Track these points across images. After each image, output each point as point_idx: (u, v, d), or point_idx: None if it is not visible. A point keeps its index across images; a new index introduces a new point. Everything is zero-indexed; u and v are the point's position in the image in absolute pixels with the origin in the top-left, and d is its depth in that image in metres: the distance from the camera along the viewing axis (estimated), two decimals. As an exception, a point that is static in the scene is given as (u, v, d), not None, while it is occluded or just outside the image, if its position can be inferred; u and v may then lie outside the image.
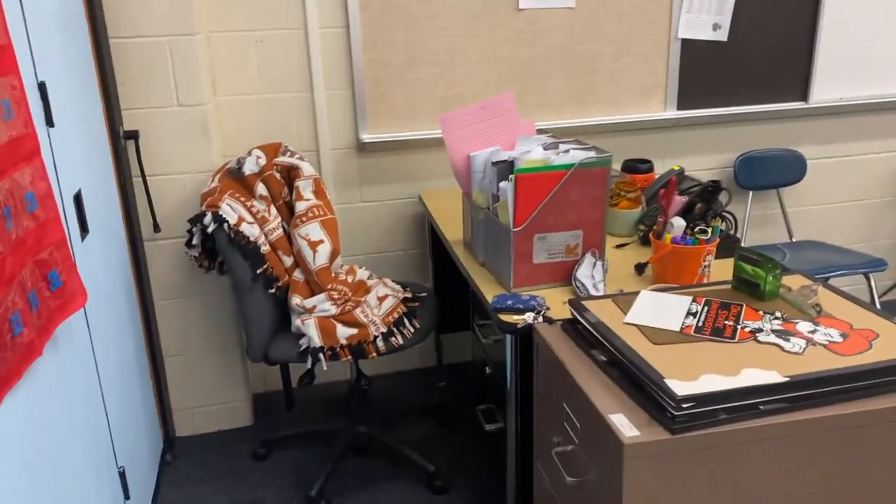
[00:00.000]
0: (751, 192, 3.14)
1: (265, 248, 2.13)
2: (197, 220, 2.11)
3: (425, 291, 2.45)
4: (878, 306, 3.01)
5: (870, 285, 2.94)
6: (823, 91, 3.09)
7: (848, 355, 1.35)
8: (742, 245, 3.13)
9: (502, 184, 1.84)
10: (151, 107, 2.33)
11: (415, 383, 2.99)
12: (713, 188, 1.89)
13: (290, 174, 2.30)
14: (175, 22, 2.25)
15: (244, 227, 2.07)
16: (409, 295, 2.37)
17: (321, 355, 2.08)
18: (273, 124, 2.64)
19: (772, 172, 3.13)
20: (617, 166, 2.87)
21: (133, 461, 2.08)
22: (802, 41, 3.00)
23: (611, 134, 2.97)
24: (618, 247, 2.15)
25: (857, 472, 1.30)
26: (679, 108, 2.99)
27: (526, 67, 2.79)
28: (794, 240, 3.23)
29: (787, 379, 1.27)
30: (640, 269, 1.95)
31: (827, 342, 1.40)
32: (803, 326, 1.47)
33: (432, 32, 2.66)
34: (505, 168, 1.87)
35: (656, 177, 2.40)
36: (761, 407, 1.25)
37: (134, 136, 2.30)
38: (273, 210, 2.25)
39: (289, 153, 2.34)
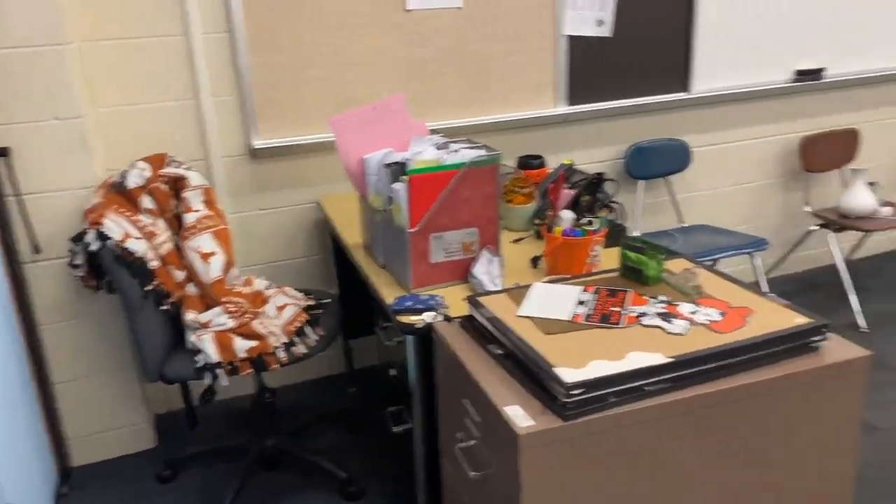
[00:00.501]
0: (642, 182, 3.27)
1: (154, 264, 2.05)
2: (79, 238, 2.00)
3: (329, 298, 2.42)
4: (763, 284, 3.19)
5: (753, 264, 3.12)
6: (703, 82, 3.25)
7: (726, 332, 1.42)
8: (637, 232, 3.27)
9: (395, 185, 1.84)
10: (25, 121, 2.19)
11: (325, 391, 2.95)
12: (598, 180, 1.96)
13: (178, 185, 2.22)
14: (43, 31, 2.13)
15: (130, 243, 1.98)
16: (311, 302, 2.34)
17: (220, 371, 2.02)
18: (158, 134, 2.54)
19: (660, 161, 3.26)
20: (513, 162, 2.93)
21: (24, 497, 1.96)
22: (681, 34, 3.15)
23: (505, 131, 3.02)
24: (514, 241, 2.19)
25: (743, 442, 1.37)
26: (570, 103, 3.08)
27: (417, 68, 2.80)
28: (684, 225, 3.38)
29: (670, 359, 1.33)
30: (535, 262, 1.99)
31: (707, 321, 1.47)
32: (685, 308, 1.54)
33: (320, 35, 2.63)
34: (397, 169, 1.87)
35: (550, 171, 2.46)
36: (647, 388, 1.30)
37: (4, 153, 2.16)
38: (161, 223, 2.17)
39: (175, 163, 2.26)
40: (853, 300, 3.31)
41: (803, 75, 3.41)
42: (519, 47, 2.92)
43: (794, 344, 1.41)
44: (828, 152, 3.56)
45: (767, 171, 3.56)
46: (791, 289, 3.62)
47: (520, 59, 2.94)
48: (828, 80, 3.44)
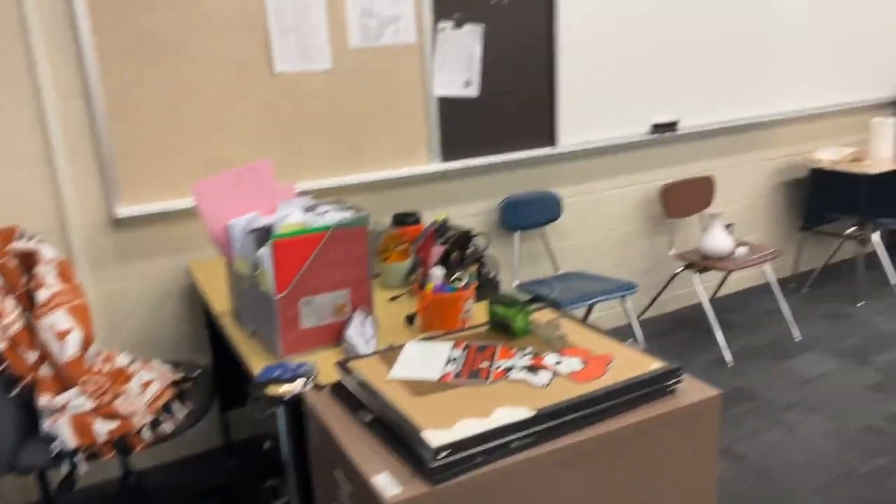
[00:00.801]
0: (518, 233, 3.37)
1: (1, 346, 1.90)
2: (-90, 323, 1.83)
3: (200, 369, 2.32)
4: (635, 326, 3.33)
5: (625, 308, 3.25)
6: (569, 136, 3.41)
7: (587, 382, 1.46)
8: (516, 281, 3.34)
9: (260, 251, 1.80)
10: None
11: (202, 467, 2.80)
12: (466, 236, 2.00)
13: (29, 260, 2.09)
14: None
15: (-29, 326, 1.83)
16: (179, 376, 2.23)
17: (78, 457, 1.88)
18: (9, 206, 2.39)
19: (533, 213, 3.38)
20: (389, 220, 2.95)
21: None
22: (545, 93, 3.30)
23: (380, 189, 3.04)
24: (391, 300, 2.19)
25: (609, 485, 1.40)
26: (444, 160, 3.15)
27: (289, 130, 2.79)
28: (560, 272, 3.50)
29: (534, 413, 1.35)
30: (410, 320, 1.99)
31: (569, 372, 1.51)
32: (550, 359, 1.58)
33: (186, 98, 2.58)
34: (263, 234, 1.84)
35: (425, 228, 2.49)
36: (513, 444, 1.31)
37: None
38: (10, 302, 2.01)
39: (26, 237, 2.12)
40: (719, 336, 3.51)
41: (659, 128, 3.66)
42: (391, 108, 2.98)
43: (651, 389, 1.47)
44: (687, 198, 3.81)
45: (634, 218, 3.76)
46: (662, 328, 3.81)
47: (392, 119, 2.99)
48: (682, 132, 3.70)
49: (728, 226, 3.63)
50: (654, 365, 1.51)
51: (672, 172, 3.80)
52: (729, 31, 3.73)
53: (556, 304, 3.02)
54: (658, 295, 3.94)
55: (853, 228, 4.00)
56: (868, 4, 4.17)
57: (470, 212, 3.28)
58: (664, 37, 3.55)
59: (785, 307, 3.80)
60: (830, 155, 4.04)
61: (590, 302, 3.06)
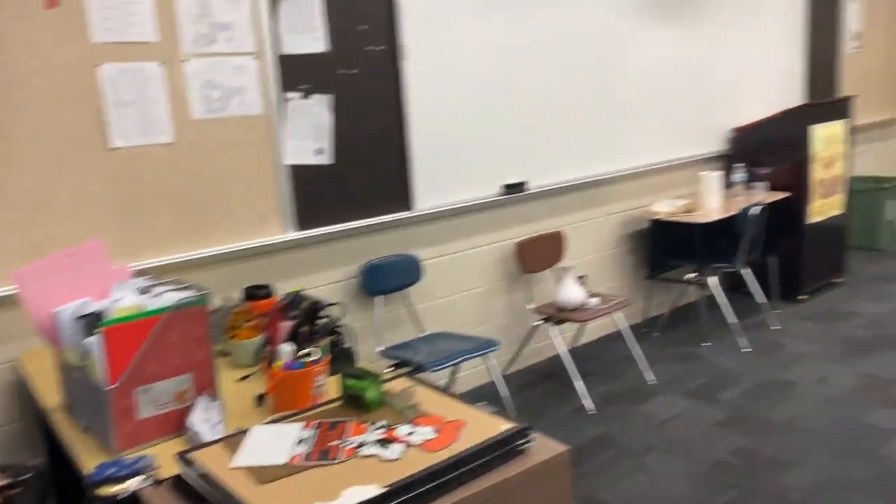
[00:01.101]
0: (380, 297, 3.35)
1: None
2: None
3: (30, 472, 2.10)
4: (499, 382, 3.37)
5: (487, 365, 3.30)
6: (425, 200, 3.47)
7: (439, 450, 1.45)
8: (381, 347, 3.30)
9: (89, 339, 1.68)
10: None
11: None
12: (316, 307, 1.96)
13: None
14: None
15: None
16: (6, 481, 2.00)
17: None
18: None
19: (394, 276, 3.39)
20: (239, 294, 2.84)
21: None
22: (398, 159, 3.36)
23: (232, 262, 2.95)
24: (241, 379, 2.10)
25: (463, 561, 1.38)
26: (300, 228, 3.11)
27: (130, 205, 2.65)
28: (424, 334, 3.51)
29: (384, 489, 1.31)
30: (260, 400, 1.91)
31: (422, 442, 1.49)
32: (402, 430, 1.55)
33: (10, 173, 2.40)
34: (92, 321, 1.72)
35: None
36: (362, 526, 1.27)
37: None
38: None
39: None
40: (579, 386, 3.63)
41: (510, 188, 3.81)
42: (240, 178, 2.91)
43: (502, 451, 1.48)
44: (541, 254, 3.96)
45: (492, 276, 3.86)
46: (527, 381, 3.89)
47: (242, 190, 2.93)
48: (531, 191, 3.87)
49: (581, 277, 3.81)
50: (504, 426, 1.53)
51: (525, 229, 3.96)
52: (571, 96, 3.98)
53: (420, 368, 3.02)
54: (520, 349, 4.04)
55: (693, 274, 4.31)
56: (693, 72, 4.60)
57: (329, 279, 3.24)
58: (511, 102, 3.74)
59: (638, 352, 3.99)
60: (666, 207, 4.36)
61: (454, 362, 3.08)
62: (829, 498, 2.64)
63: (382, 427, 1.58)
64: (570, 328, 4.23)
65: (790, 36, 5.32)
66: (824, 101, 5.21)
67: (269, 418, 1.73)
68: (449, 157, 3.53)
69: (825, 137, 4.79)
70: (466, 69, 3.54)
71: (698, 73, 4.69)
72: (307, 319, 1.94)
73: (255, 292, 2.51)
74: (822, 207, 4.87)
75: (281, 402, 1.81)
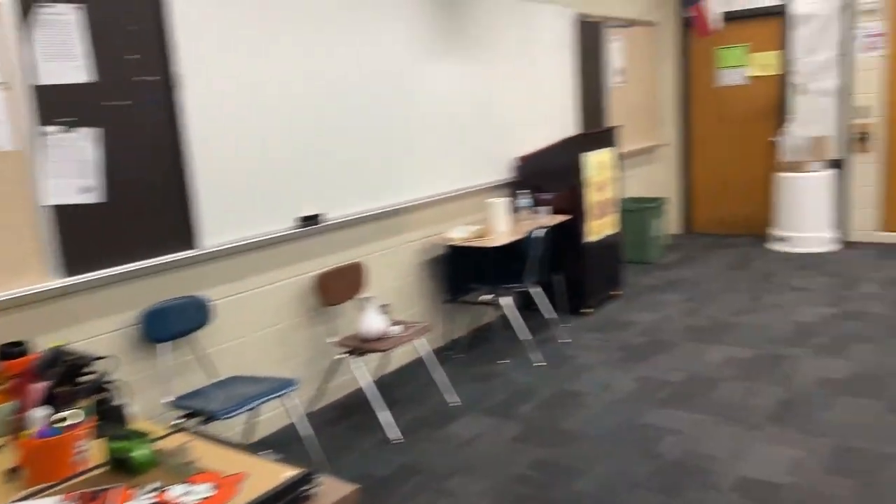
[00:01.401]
0: (166, 344, 3.12)
1: None
2: None
3: None
4: (301, 422, 3.27)
5: (286, 406, 3.18)
6: (212, 236, 3.29)
7: (216, 509, 1.35)
8: (170, 397, 3.05)
9: None
10: None
11: None
12: (77, 365, 1.77)
13: None
14: None
15: None
16: None
17: None
18: None
19: (181, 320, 3.17)
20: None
21: None
22: (178, 193, 3.17)
23: (-16, 316, 2.60)
24: (-10, 453, 1.83)
25: None
26: (68, 274, 2.81)
27: None
28: (217, 379, 3.31)
29: (150, 562, 1.19)
30: (13, 473, 1.68)
31: (198, 501, 1.38)
32: (176, 491, 1.43)
33: None
34: None
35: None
36: None
37: None
38: None
39: None
40: (382, 416, 3.62)
41: (306, 221, 3.73)
42: (-12, 222, 2.58)
43: (286, 500, 1.41)
44: (341, 285, 3.92)
45: (291, 312, 3.75)
46: (332, 417, 3.81)
47: (-8, 235, 2.59)
48: (328, 222, 3.83)
49: (384, 306, 3.81)
50: (288, 473, 1.46)
51: (324, 262, 3.90)
52: (364, 127, 4.00)
53: (213, 416, 2.84)
54: (324, 383, 3.95)
55: (488, 296, 4.49)
56: (479, 105, 4.84)
57: (102, 329, 2.95)
58: (303, 132, 3.67)
59: (441, 376, 4.07)
60: (460, 233, 4.52)
61: (249, 406, 2.93)
62: (619, 499, 2.84)
63: (154, 490, 1.44)
64: (374, 358, 4.22)
65: (563, 71, 5.80)
66: (594, 132, 5.73)
67: (23, 493, 1.52)
68: (238, 190, 3.39)
69: (596, 164, 5.25)
70: (253, 99, 3.43)
71: (484, 106, 4.95)
72: (67, 378, 1.73)
73: (9, 350, 2.21)
74: (599, 227, 5.32)
75: (36, 473, 1.60)
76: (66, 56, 2.79)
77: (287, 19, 3.57)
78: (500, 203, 4.65)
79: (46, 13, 2.73)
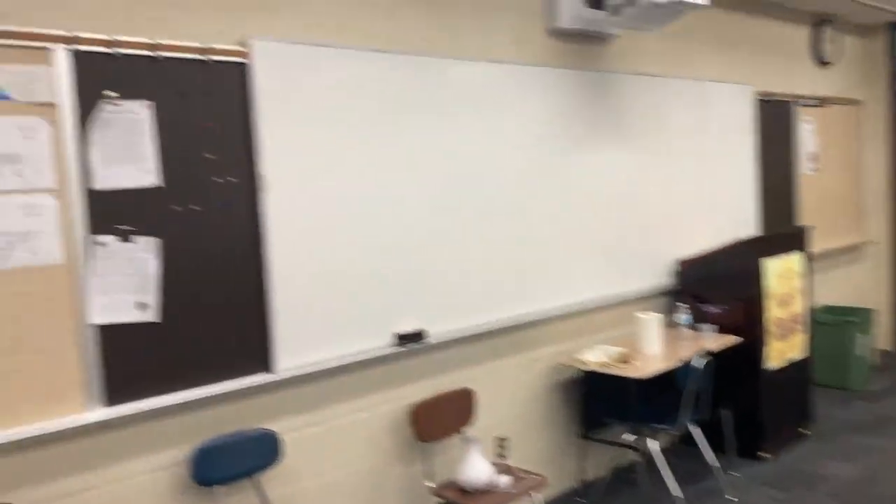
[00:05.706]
0: (220, 488, 2.66)
1: None
2: None
3: None
4: None
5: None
6: (290, 358, 2.84)
7: None
8: None
9: None
10: None
11: None
12: None
13: None
14: None
15: None
16: None
17: None
18: None
19: (239, 459, 2.69)
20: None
21: None
22: (254, 308, 2.75)
23: (7, 454, 2.27)
24: None
25: None
26: (110, 403, 2.45)
27: None
28: (282, 530, 2.79)
29: None
30: None
31: None
32: None
33: None
34: None
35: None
36: None
37: None
38: None
39: None
40: None
41: (405, 339, 3.19)
42: (24, 344, 2.28)
43: None
44: (442, 417, 3.29)
45: (380, 448, 3.17)
46: (424, 581, 3.14)
47: (27, 359, 2.29)
48: (431, 341, 3.25)
49: (501, 441, 3.17)
50: None
51: (423, 388, 3.31)
52: (480, 227, 3.43)
53: None
54: (419, 535, 3.31)
55: (630, 436, 3.65)
56: (630, 199, 4.10)
57: (145, 468, 2.55)
58: (405, 236, 3.17)
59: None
60: (597, 356, 3.72)
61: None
62: None
63: None
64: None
65: (741, 158, 4.90)
66: (779, 233, 4.73)
67: None
68: (324, 303, 2.92)
69: (781, 271, 4.27)
70: (344, 201, 2.98)
71: (639, 198, 4.20)
72: None
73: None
74: (782, 351, 4.29)
75: None
76: (131, 158, 2.50)
77: (390, 111, 3.12)
78: (652, 319, 3.81)
79: (112, 111, 2.46)
